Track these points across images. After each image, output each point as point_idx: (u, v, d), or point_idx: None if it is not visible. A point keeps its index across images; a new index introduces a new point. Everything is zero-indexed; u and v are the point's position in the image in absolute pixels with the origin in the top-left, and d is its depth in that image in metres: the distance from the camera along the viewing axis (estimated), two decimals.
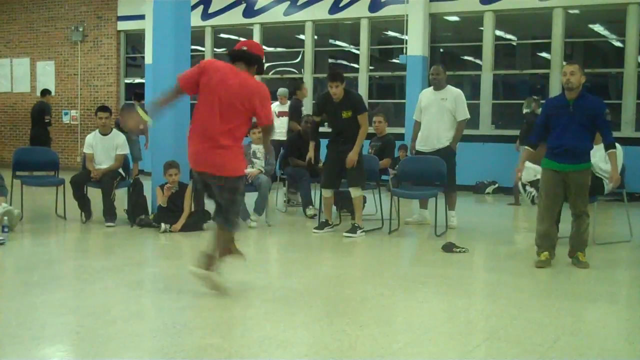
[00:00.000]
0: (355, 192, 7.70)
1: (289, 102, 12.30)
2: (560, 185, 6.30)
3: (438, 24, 13.93)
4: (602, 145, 7.53)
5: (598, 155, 7.35)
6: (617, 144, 7.55)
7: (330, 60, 15.64)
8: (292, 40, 15.48)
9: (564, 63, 12.65)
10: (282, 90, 12.45)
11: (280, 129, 12.00)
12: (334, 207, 8.69)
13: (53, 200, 8.77)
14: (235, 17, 15.44)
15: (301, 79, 13.22)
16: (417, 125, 8.58)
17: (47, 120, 13.89)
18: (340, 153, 7.70)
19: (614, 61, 13.25)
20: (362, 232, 7.67)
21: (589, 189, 6.95)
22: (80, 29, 16.86)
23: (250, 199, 8.23)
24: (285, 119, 12.15)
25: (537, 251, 6.36)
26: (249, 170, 8.17)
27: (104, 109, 8.75)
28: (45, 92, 14.55)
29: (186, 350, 3.79)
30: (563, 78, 6.23)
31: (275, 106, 12.27)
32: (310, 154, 7.94)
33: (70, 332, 4.18)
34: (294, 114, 10.07)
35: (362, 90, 14.30)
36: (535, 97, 12.03)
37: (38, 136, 13.69)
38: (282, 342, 3.97)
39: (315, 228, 7.93)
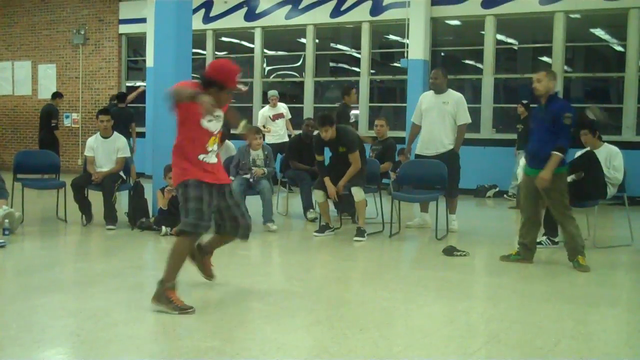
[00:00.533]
0: (358, 196, 7.70)
1: (279, 104, 12.26)
2: (531, 189, 6.41)
3: (439, 27, 13.93)
4: (600, 151, 7.56)
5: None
6: (615, 148, 7.63)
7: (331, 64, 15.65)
8: (293, 43, 15.49)
9: (565, 67, 12.74)
10: (272, 92, 12.34)
11: (277, 131, 11.96)
12: (335, 211, 8.70)
13: (54, 203, 8.77)
14: (236, 20, 15.45)
15: (351, 84, 12.92)
16: (415, 128, 8.58)
17: (53, 124, 13.70)
18: (340, 169, 7.83)
19: (615, 65, 13.24)
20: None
21: (593, 194, 7.01)
22: (82, 32, 16.89)
23: (250, 202, 8.24)
24: (280, 121, 12.08)
25: None
26: (253, 169, 8.26)
27: (105, 111, 8.75)
28: (55, 95, 14.33)
29: (186, 353, 3.79)
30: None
31: (267, 110, 12.22)
32: (332, 189, 7.85)
33: (71, 335, 4.18)
34: (342, 117, 9.62)
35: (363, 93, 14.30)
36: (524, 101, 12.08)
37: (45, 139, 13.54)
38: (283, 345, 3.97)
39: (316, 231, 7.94)
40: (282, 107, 12.21)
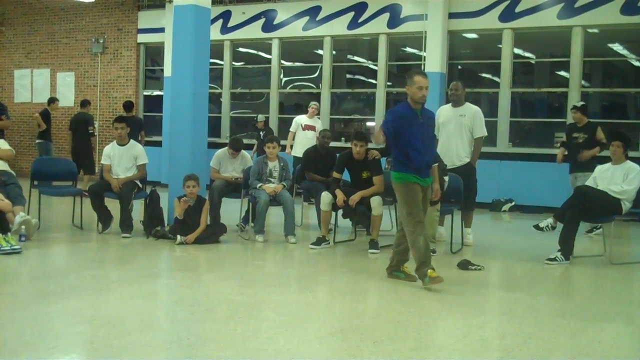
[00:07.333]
0: (378, 210, 7.65)
1: (317, 119, 12.05)
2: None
3: (456, 40, 13.93)
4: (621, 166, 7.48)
5: (608, 180, 7.34)
6: (636, 165, 7.53)
7: (348, 76, 15.67)
8: (310, 55, 15.54)
9: (583, 82, 12.68)
10: (313, 102, 11.99)
11: (304, 144, 11.34)
12: (349, 222, 8.68)
13: (70, 210, 8.82)
14: (254, 31, 15.53)
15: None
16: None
17: (91, 131, 13.58)
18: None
19: (632, 81, 13.18)
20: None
21: (608, 209, 6.91)
22: (101, 41, 17.04)
23: (274, 214, 8.24)
24: (310, 133, 11.80)
25: None
26: (272, 186, 8.17)
27: (120, 119, 8.78)
28: (87, 103, 14.11)
29: None
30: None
31: (302, 118, 12.05)
32: (341, 195, 7.82)
33: (85, 342, 4.20)
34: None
35: (379, 106, 14.31)
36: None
37: (79, 148, 13.32)
38: (296, 357, 3.96)
39: (312, 244, 7.86)
40: (318, 121, 12.02)
